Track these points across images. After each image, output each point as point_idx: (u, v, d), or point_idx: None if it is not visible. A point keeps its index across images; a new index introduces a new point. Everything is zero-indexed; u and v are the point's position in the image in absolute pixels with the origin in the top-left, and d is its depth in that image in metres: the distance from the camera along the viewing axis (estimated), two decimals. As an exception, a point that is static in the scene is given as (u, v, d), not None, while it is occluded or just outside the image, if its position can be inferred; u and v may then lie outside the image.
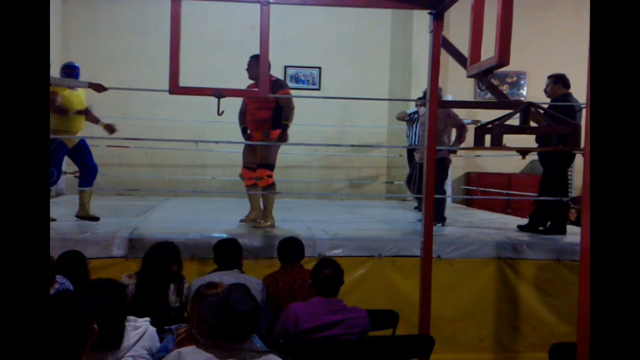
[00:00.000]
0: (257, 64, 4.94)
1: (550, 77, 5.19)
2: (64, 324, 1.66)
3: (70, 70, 5.05)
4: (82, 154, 5.19)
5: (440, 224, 5.32)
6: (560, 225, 5.05)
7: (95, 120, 5.20)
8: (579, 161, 5.21)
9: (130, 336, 2.37)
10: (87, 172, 5.17)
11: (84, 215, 5.00)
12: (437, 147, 5.38)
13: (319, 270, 3.09)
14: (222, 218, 5.54)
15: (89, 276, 3.35)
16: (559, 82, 5.08)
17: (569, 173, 8.48)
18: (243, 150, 5.30)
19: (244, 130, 5.22)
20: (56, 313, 1.65)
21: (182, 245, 3.77)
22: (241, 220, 5.15)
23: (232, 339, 2.14)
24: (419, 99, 5.89)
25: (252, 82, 4.96)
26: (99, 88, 4.67)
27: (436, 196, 5.24)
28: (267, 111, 4.98)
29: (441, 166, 5.49)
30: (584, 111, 5.05)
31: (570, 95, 5.04)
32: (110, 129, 5.14)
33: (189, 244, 4.17)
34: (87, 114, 5.15)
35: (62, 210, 5.83)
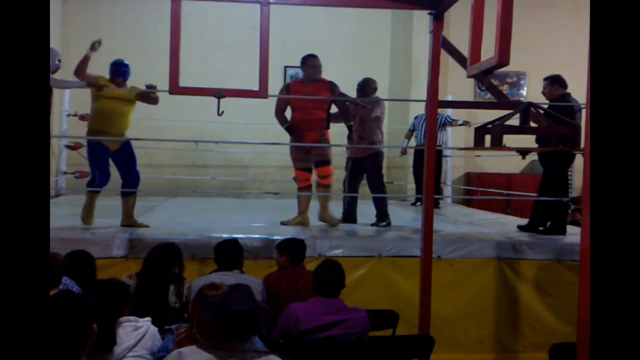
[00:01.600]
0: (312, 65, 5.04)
1: (545, 79, 5.18)
2: (64, 324, 1.66)
3: (117, 68, 4.90)
4: (125, 159, 4.92)
5: (385, 224, 5.26)
6: (560, 225, 5.05)
7: (149, 98, 4.94)
8: (579, 161, 5.20)
9: (131, 336, 2.36)
10: (131, 179, 4.94)
11: (130, 224, 4.79)
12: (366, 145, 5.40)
13: (321, 271, 3.09)
14: (222, 218, 5.54)
15: (96, 276, 3.33)
16: (555, 83, 5.07)
17: (569, 173, 8.50)
18: (294, 152, 5.23)
19: (290, 129, 5.13)
20: (56, 313, 1.65)
21: (182, 245, 3.77)
22: (283, 223, 5.13)
23: (232, 340, 2.14)
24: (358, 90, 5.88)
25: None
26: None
27: (379, 195, 5.31)
28: (322, 111, 5.08)
29: (375, 161, 5.46)
30: (583, 111, 5.05)
31: (569, 95, 5.04)
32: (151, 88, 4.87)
33: (189, 244, 4.17)
34: (145, 99, 4.94)
35: (62, 210, 5.84)
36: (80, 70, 4.60)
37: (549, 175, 5.15)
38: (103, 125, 4.84)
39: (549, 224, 5.13)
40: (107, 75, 4.90)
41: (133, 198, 4.92)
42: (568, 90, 5.10)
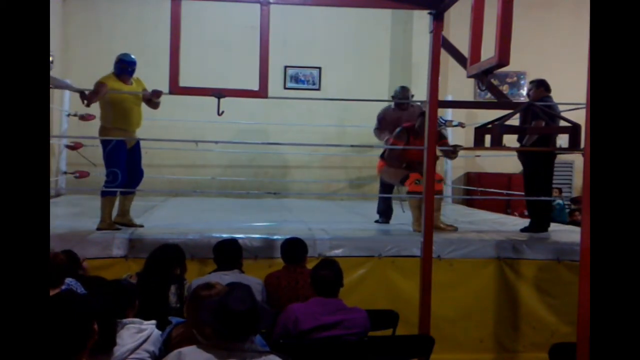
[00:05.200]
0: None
1: (532, 82, 5.32)
2: (65, 323, 1.66)
3: (125, 66, 4.70)
4: (135, 157, 4.86)
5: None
6: (541, 223, 5.04)
7: (151, 102, 4.88)
8: (579, 161, 5.20)
9: (134, 338, 2.35)
10: (136, 177, 4.87)
11: (125, 222, 4.74)
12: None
13: (318, 271, 3.08)
14: (222, 218, 5.54)
15: (87, 275, 3.33)
16: (541, 87, 5.17)
17: (569, 172, 8.49)
18: None
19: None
20: (57, 313, 1.65)
21: (182, 245, 3.76)
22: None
23: (232, 339, 2.14)
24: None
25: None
26: (90, 96, 4.50)
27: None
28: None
29: None
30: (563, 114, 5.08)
31: (550, 98, 5.09)
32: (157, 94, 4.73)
33: (189, 244, 4.17)
34: (150, 104, 4.87)
35: (62, 210, 5.84)
36: (89, 101, 4.56)
37: (531, 173, 5.13)
38: (123, 123, 4.73)
39: (529, 221, 5.14)
40: (111, 71, 4.75)
41: (132, 196, 4.90)
42: (551, 94, 5.17)
